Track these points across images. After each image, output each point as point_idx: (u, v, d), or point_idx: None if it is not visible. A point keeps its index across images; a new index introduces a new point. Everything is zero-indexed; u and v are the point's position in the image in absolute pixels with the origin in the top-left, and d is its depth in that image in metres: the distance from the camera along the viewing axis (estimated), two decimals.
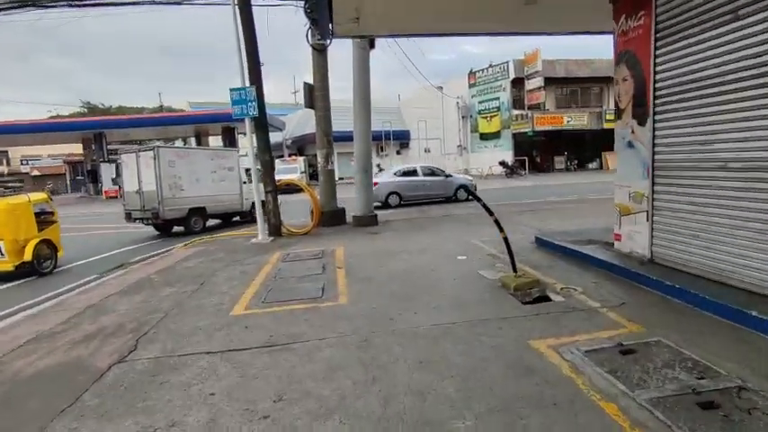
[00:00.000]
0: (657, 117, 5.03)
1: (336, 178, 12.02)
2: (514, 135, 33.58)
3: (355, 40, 10.27)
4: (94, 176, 35.24)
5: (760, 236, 3.97)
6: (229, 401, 2.95)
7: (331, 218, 11.07)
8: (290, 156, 36.46)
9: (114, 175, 30.82)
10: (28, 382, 3.48)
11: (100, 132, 33.55)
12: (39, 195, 8.66)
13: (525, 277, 5.08)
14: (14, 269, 7.53)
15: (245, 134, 11.16)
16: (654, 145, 5.11)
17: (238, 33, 8.98)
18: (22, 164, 51.57)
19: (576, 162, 35.59)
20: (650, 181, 5.20)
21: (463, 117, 37.82)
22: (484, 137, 36.43)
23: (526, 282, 4.93)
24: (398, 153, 40.15)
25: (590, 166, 35.51)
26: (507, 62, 33.81)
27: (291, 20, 36.13)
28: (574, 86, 33.86)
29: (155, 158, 11.31)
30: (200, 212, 12.37)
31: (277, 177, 10.25)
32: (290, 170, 27.76)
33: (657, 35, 4.91)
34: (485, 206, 5.31)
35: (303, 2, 9.98)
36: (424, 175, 16.33)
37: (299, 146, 40.32)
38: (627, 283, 5.03)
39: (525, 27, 7.69)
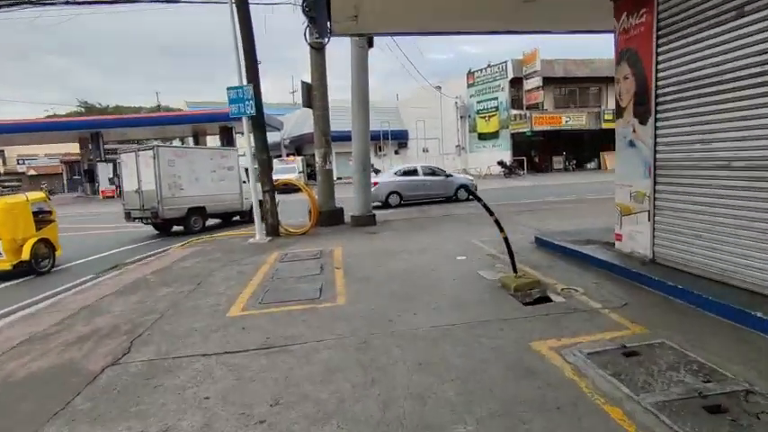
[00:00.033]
0: (659, 116, 4.98)
1: (334, 178, 11.96)
2: (513, 135, 33.55)
3: (354, 39, 10.21)
4: (91, 176, 35.07)
5: (763, 236, 3.92)
6: (224, 405, 2.88)
7: (329, 218, 11.01)
8: (287, 155, 36.41)
9: (111, 175, 30.76)
10: (20, 384, 3.42)
11: (97, 132, 33.42)
12: (37, 194, 8.66)
13: (525, 278, 5.02)
14: (12, 268, 7.51)
15: (242, 134, 11.08)
16: (656, 144, 5.06)
17: (236, 31, 8.92)
18: (18, 163, 51.33)
19: (574, 162, 35.59)
20: (652, 180, 5.15)
21: (461, 117, 37.79)
22: (482, 137, 36.40)
23: (526, 282, 4.87)
24: (397, 153, 40.07)
25: (588, 166, 35.52)
26: (506, 62, 33.77)
27: (289, 18, 36.06)
28: (572, 86, 33.84)
29: (154, 158, 11.26)
30: (199, 212, 12.32)
31: (275, 177, 10.19)
32: (287, 170, 27.71)
33: (659, 33, 4.86)
34: (485, 206, 5.25)
35: (301, 0, 9.92)
36: (425, 174, 16.28)
37: (297, 145, 40.22)
38: (628, 283, 4.98)
39: (524, 25, 7.63)
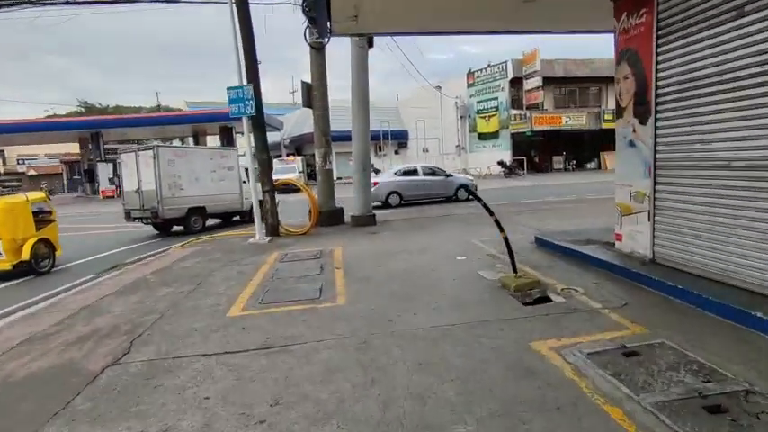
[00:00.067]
0: (659, 116, 4.98)
1: (334, 178, 11.96)
2: (513, 135, 33.54)
3: (354, 39, 10.20)
4: (91, 176, 35.07)
5: (763, 236, 3.92)
6: (224, 405, 2.88)
7: (329, 218, 11.01)
8: (288, 155, 36.39)
9: (111, 175, 30.76)
10: (20, 384, 3.42)
11: (97, 132, 33.40)
12: (37, 194, 8.67)
13: (525, 278, 5.02)
14: (12, 268, 7.51)
15: (242, 133, 11.09)
16: (656, 144, 5.06)
17: (235, 31, 8.91)
18: (18, 163, 51.30)
19: (574, 162, 35.58)
20: (652, 180, 5.15)
21: (461, 117, 37.78)
22: (482, 137, 36.39)
23: (526, 282, 4.87)
24: (397, 153, 40.06)
25: (588, 166, 35.51)
26: (506, 62, 33.76)
27: (289, 18, 36.08)
28: (572, 86, 33.83)
29: (154, 158, 11.26)
30: (199, 212, 12.32)
31: (275, 177, 10.19)
32: (287, 170, 27.70)
33: (660, 32, 4.86)
34: (485, 206, 5.25)
35: (301, 0, 9.91)
36: (425, 174, 16.27)
37: (297, 146, 40.21)
38: (628, 283, 4.98)
39: (524, 25, 7.63)
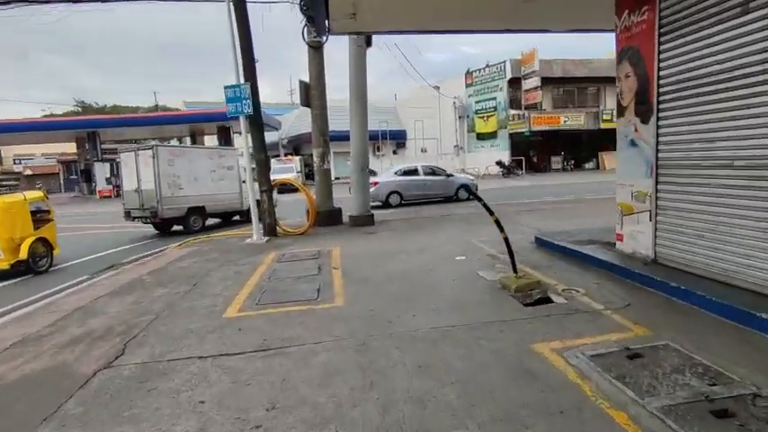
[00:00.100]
0: (661, 114, 4.93)
1: (333, 178, 11.89)
2: (511, 135, 33.51)
3: (352, 38, 10.14)
4: (88, 176, 34.95)
5: (766, 235, 3.87)
6: (220, 410, 2.81)
7: (327, 218, 10.94)
8: (285, 155, 36.29)
9: (108, 175, 30.64)
10: (11, 387, 3.35)
11: (94, 132, 33.29)
12: (35, 194, 8.65)
13: (526, 278, 4.97)
14: (10, 267, 7.49)
15: (240, 133, 11.03)
16: (657, 143, 5.01)
17: (233, 29, 8.84)
18: (14, 163, 51.06)
19: (572, 162, 35.57)
20: (654, 180, 5.09)
21: (460, 117, 37.74)
22: (481, 137, 36.35)
23: (527, 283, 4.81)
24: (395, 153, 39.97)
25: (587, 166, 35.49)
26: (504, 62, 33.70)
27: (287, 17, 36.01)
28: (571, 86, 33.78)
29: (153, 157, 11.21)
30: (199, 211, 12.27)
31: (273, 177, 10.12)
32: (285, 170, 27.61)
33: (662, 30, 4.81)
34: (485, 206, 5.19)
35: None
36: (425, 174, 16.20)
37: (295, 145, 40.11)
38: (629, 284, 4.92)
39: (524, 25, 7.57)
